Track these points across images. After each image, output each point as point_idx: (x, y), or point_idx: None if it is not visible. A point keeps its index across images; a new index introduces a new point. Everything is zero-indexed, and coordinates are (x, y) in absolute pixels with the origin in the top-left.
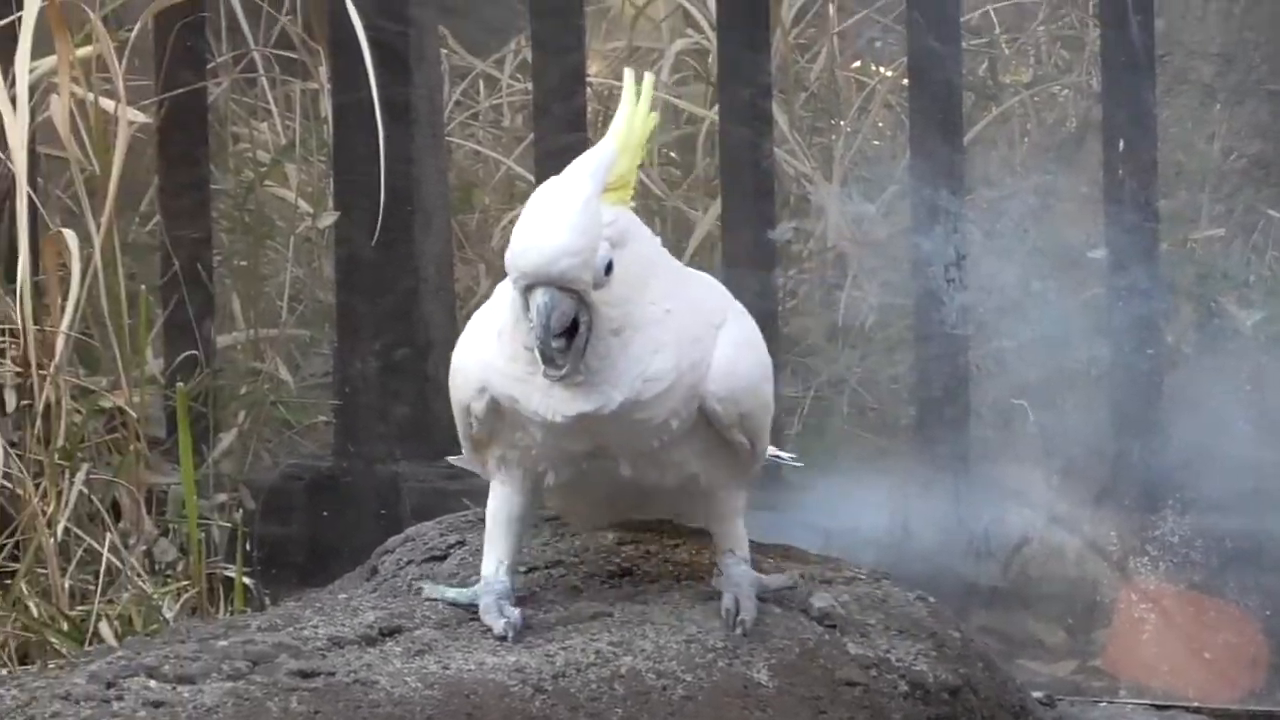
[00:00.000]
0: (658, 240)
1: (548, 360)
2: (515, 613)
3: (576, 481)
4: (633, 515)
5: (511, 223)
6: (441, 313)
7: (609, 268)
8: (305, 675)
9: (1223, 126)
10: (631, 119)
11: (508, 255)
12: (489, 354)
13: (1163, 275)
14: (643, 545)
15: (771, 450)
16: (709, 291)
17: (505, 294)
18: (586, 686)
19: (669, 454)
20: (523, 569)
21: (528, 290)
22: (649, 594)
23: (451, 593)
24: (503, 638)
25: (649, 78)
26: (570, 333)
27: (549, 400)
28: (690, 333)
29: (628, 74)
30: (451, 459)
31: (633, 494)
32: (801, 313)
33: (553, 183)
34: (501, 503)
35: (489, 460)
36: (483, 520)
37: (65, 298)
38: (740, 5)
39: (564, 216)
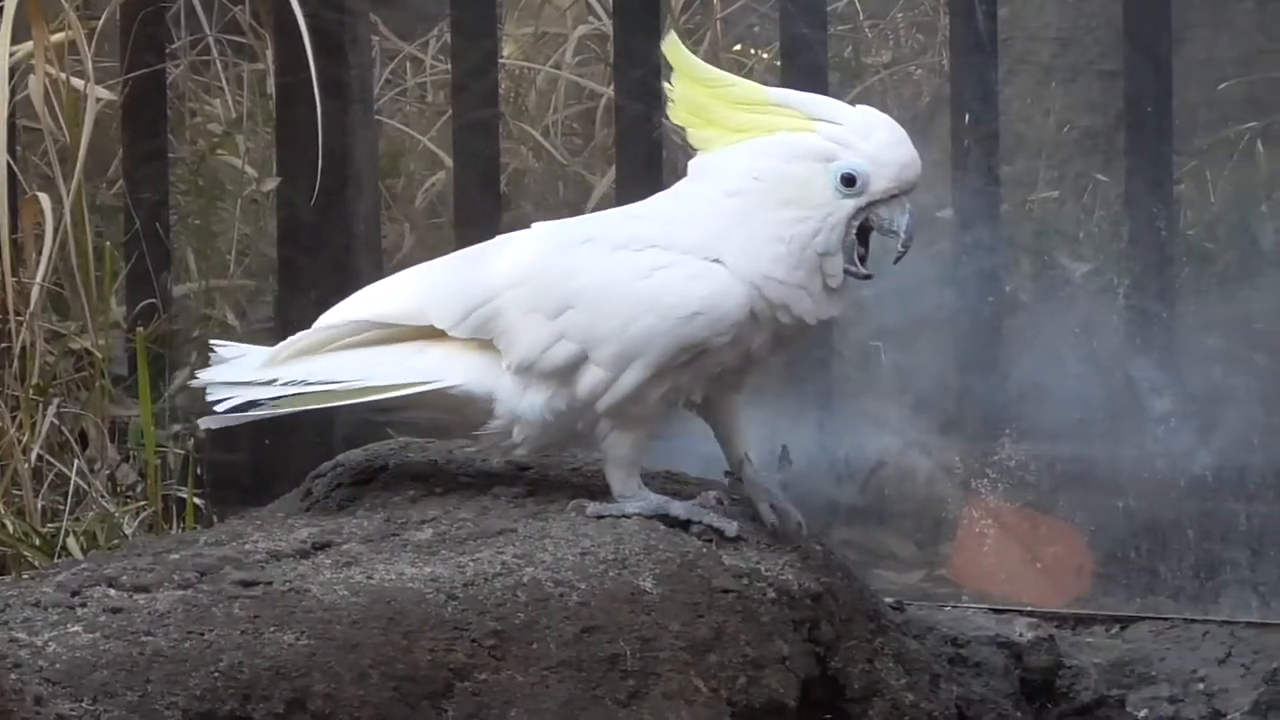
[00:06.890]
0: None
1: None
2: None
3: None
4: None
5: (433, 187)
6: (371, 265)
7: None
8: (247, 584)
9: (1058, 102)
10: None
11: (881, 166)
12: (764, 270)
13: (1004, 233)
14: (543, 470)
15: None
16: None
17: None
18: (494, 594)
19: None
20: (439, 490)
21: (892, 198)
22: (549, 513)
23: (637, 505)
24: (738, 537)
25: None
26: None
27: (815, 305)
28: None
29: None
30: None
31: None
32: None
33: (870, 110)
34: (639, 440)
35: (653, 402)
36: (404, 447)
37: (40, 253)
38: None
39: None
